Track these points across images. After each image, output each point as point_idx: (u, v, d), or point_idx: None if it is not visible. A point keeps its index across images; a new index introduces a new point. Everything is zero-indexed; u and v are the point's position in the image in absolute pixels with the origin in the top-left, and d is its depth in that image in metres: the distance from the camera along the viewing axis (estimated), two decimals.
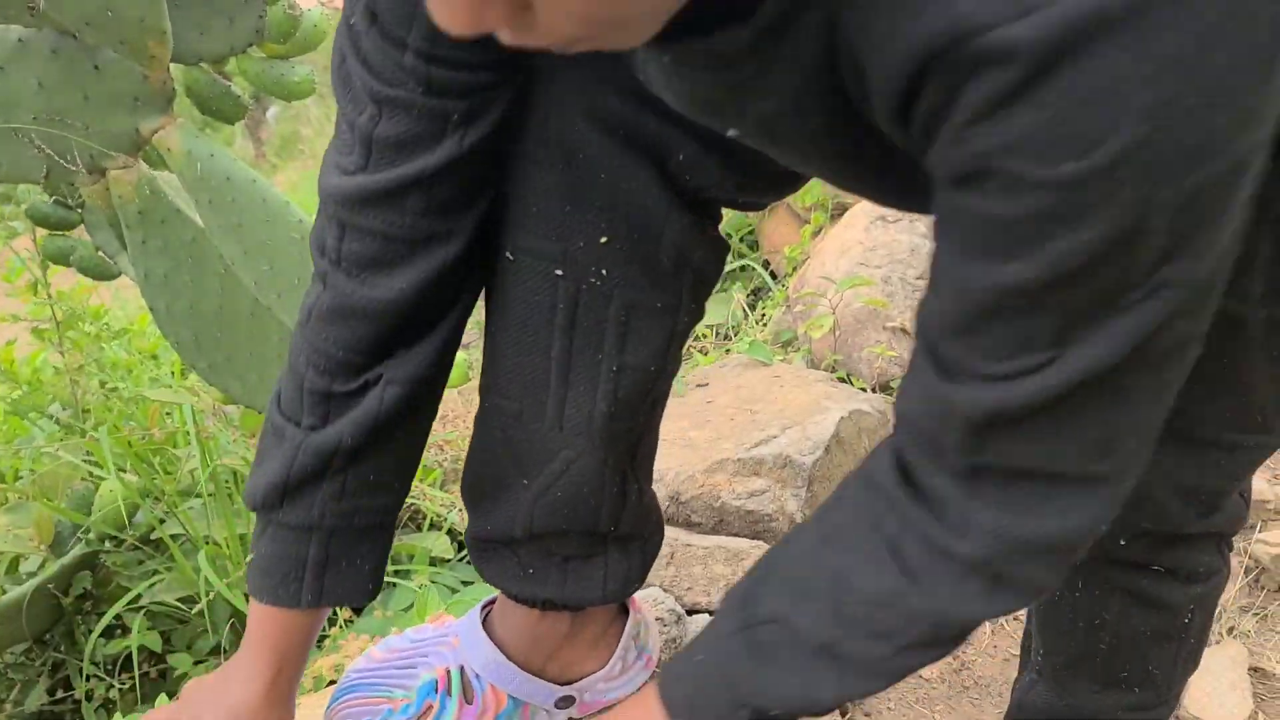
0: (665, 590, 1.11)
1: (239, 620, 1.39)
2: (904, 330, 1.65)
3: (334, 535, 0.74)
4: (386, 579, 1.49)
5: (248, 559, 0.77)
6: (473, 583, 1.53)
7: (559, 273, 0.70)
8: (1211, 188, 0.43)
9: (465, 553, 1.57)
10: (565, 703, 0.86)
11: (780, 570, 0.62)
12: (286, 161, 8.30)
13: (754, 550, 1.15)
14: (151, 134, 1.22)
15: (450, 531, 1.60)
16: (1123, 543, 0.85)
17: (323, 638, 1.45)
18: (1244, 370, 0.72)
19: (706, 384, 1.58)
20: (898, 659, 0.57)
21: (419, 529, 1.65)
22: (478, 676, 0.84)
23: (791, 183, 0.77)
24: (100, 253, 1.52)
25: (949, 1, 0.41)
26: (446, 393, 2.08)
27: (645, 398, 0.75)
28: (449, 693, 0.83)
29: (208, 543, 1.38)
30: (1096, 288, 0.45)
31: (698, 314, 0.75)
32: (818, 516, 0.62)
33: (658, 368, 0.74)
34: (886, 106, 0.47)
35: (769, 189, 0.76)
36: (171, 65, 1.20)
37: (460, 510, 1.63)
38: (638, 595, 0.92)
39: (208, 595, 1.31)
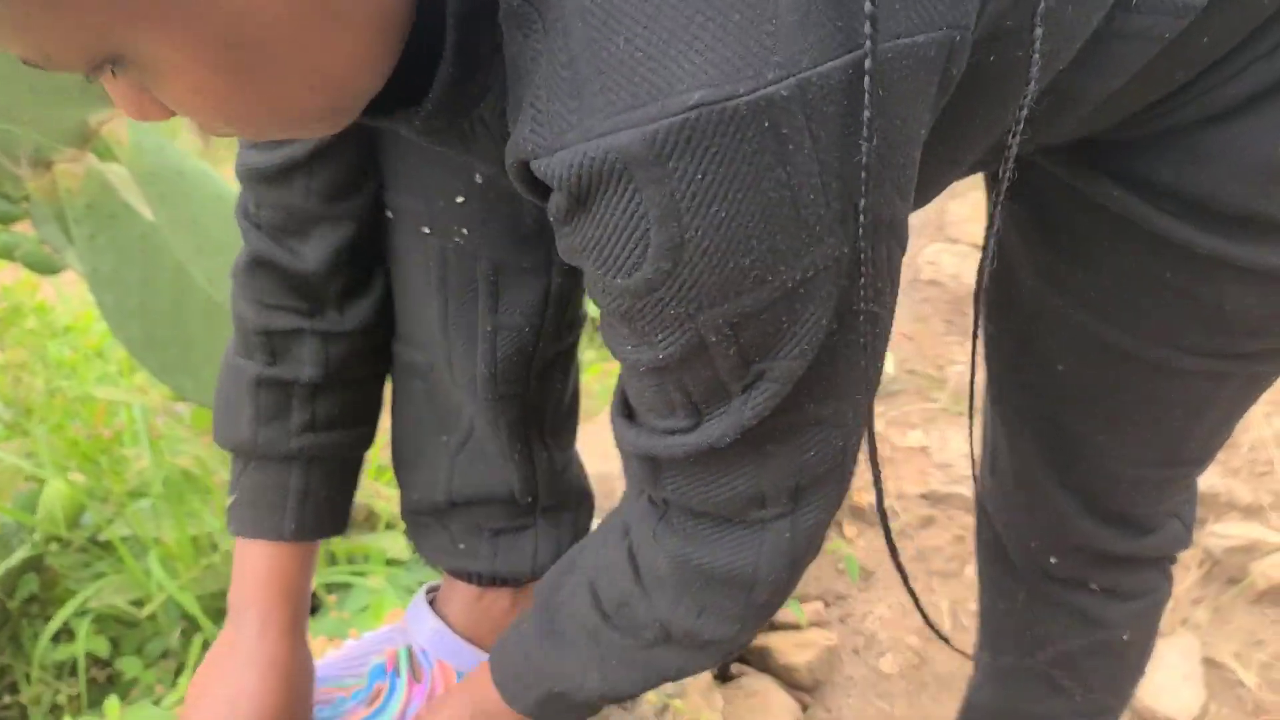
0: None
1: (190, 623, 1.36)
2: None
3: (311, 464, 0.76)
4: (342, 579, 1.47)
5: (228, 502, 0.78)
6: (427, 582, 1.52)
7: (426, 230, 0.70)
8: (764, 311, 0.45)
9: None
10: None
11: (579, 559, 0.67)
12: (234, 154, 8.16)
13: None
14: (100, 126, 1.19)
15: (406, 532, 1.58)
16: (1053, 560, 0.87)
17: None
18: (1176, 414, 0.74)
19: None
20: (647, 653, 0.62)
21: (373, 529, 1.63)
22: (425, 653, 0.84)
23: None
24: (45, 246, 1.48)
25: (520, 126, 0.43)
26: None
27: (529, 361, 0.74)
28: (398, 672, 0.83)
29: (158, 544, 1.35)
30: (701, 377, 0.48)
31: (578, 277, 0.72)
32: (615, 509, 0.67)
33: (533, 328, 0.72)
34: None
35: None
36: None
37: None
38: None
39: (159, 597, 1.28)
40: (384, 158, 0.70)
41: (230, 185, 1.25)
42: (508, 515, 0.80)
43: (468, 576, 0.83)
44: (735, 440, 0.50)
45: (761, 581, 0.57)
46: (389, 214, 0.72)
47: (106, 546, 1.41)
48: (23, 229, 1.51)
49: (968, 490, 1.44)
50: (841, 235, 0.44)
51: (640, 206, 0.41)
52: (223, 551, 1.36)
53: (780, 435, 0.52)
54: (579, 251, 0.45)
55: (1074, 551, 0.87)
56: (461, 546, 0.81)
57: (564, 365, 0.78)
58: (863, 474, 1.47)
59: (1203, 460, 0.80)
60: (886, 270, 0.48)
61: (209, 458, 1.44)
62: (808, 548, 0.58)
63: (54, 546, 1.37)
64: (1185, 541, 0.88)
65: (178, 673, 1.37)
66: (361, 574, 1.47)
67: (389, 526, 1.60)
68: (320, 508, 0.77)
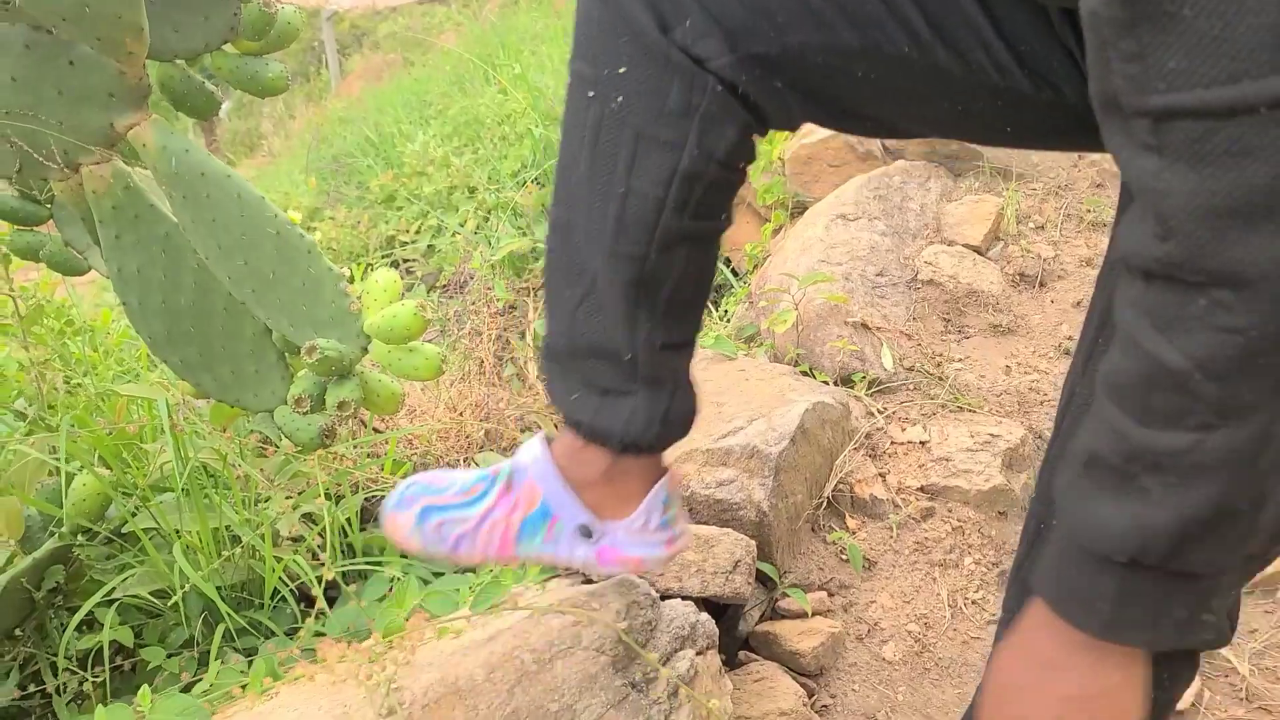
0: (639, 575, 1.15)
1: (212, 613, 1.40)
2: (864, 325, 1.70)
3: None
4: (360, 569, 1.51)
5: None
6: (444, 573, 1.56)
7: (590, 94, 0.78)
8: None
9: None
10: (585, 532, 0.92)
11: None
12: (242, 157, 8.21)
13: (723, 536, 1.19)
14: (126, 129, 1.23)
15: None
16: None
17: (293, 630, 1.46)
18: None
19: None
20: (1194, 455, 0.50)
21: None
22: (522, 472, 0.93)
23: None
24: (69, 248, 1.52)
25: None
26: (413, 388, 2.09)
27: (651, 230, 0.80)
28: (496, 480, 0.93)
29: (180, 536, 1.38)
30: None
31: (705, 161, 0.78)
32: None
33: (658, 199, 0.78)
34: None
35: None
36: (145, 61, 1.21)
37: None
38: (624, 580, 1.00)
39: (182, 588, 1.31)
40: (575, 29, 0.79)
41: (250, 186, 1.29)
42: (615, 376, 0.86)
43: (575, 426, 0.88)
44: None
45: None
46: (569, 79, 0.80)
47: (130, 539, 1.45)
48: (47, 229, 1.55)
49: (966, 483, 1.47)
50: None
51: None
52: (244, 545, 1.40)
53: None
54: None
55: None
56: (574, 396, 0.87)
57: (690, 252, 0.83)
58: (863, 469, 1.50)
59: None
60: None
61: (229, 453, 1.47)
62: None
63: (80, 539, 1.40)
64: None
65: (200, 661, 1.41)
66: (379, 564, 1.51)
67: None
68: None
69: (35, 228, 1.51)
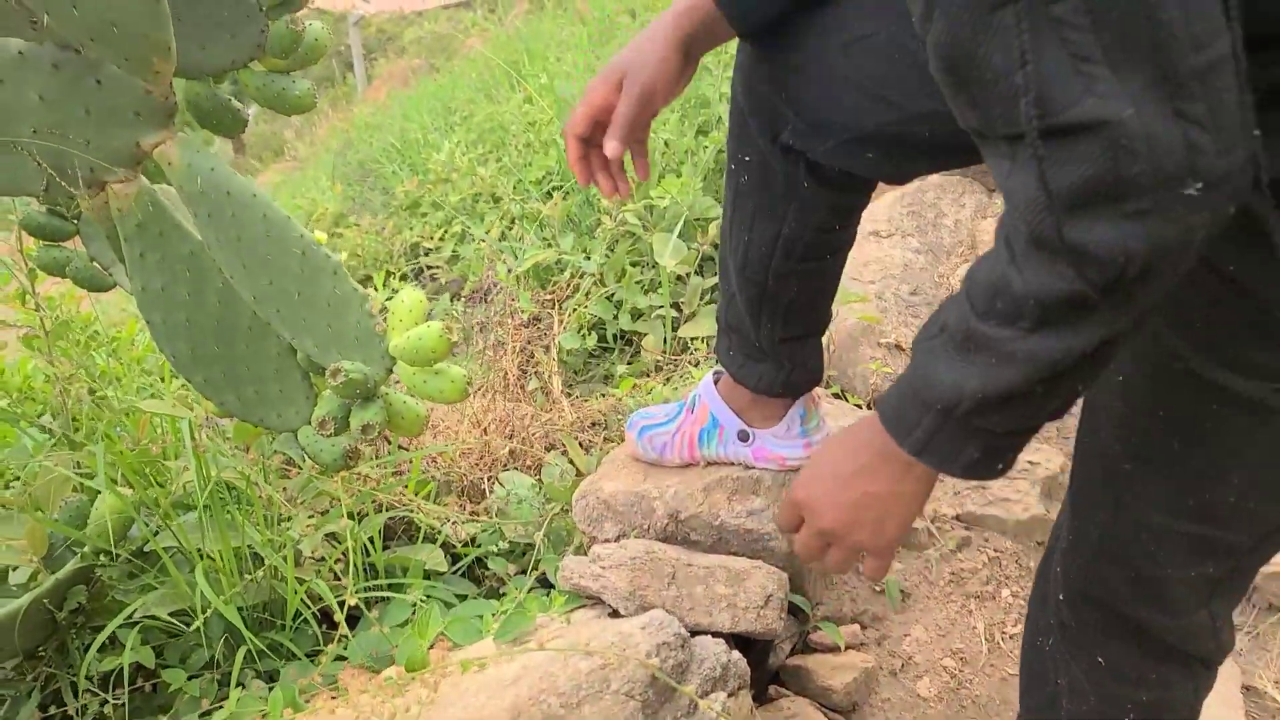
0: (669, 611, 1.12)
1: (233, 634, 1.38)
2: (898, 346, 1.67)
3: None
4: (381, 594, 1.48)
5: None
6: (466, 596, 1.53)
7: (732, 166, 1.12)
8: None
9: (459, 565, 1.56)
10: (744, 436, 1.28)
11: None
12: (269, 162, 8.25)
13: (755, 570, 1.16)
14: (152, 148, 1.21)
15: (444, 545, 1.59)
16: (1068, 611, 0.89)
17: (315, 652, 1.44)
18: (1210, 447, 0.75)
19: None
20: (1025, 342, 0.64)
21: (412, 541, 1.65)
22: (699, 396, 1.32)
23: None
24: (95, 264, 1.51)
25: None
26: (438, 407, 2.05)
27: (766, 268, 1.14)
28: (686, 405, 1.34)
29: (203, 557, 1.37)
30: None
31: (802, 229, 1.11)
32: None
33: (769, 251, 1.13)
34: None
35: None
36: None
37: (454, 524, 1.63)
38: (653, 619, 0.98)
39: (204, 612, 1.30)
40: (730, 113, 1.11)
41: (275, 206, 1.27)
42: (749, 348, 1.21)
43: (727, 370, 1.26)
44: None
45: (1119, 170, 0.56)
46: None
47: (152, 558, 1.43)
48: (73, 245, 1.54)
49: (1004, 512, 1.44)
50: None
51: None
52: (267, 566, 1.38)
53: None
54: None
55: (1091, 605, 0.86)
56: (729, 353, 1.24)
57: (801, 281, 1.15)
58: None
59: (1233, 524, 0.78)
60: None
61: (252, 472, 1.46)
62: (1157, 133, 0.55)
63: (102, 558, 1.39)
64: (1211, 643, 0.85)
65: (221, 684, 1.40)
66: (400, 587, 1.49)
67: (428, 539, 1.62)
68: None
69: (62, 243, 1.50)
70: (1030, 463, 1.47)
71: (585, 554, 1.32)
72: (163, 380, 1.93)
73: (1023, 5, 0.55)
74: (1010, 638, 1.33)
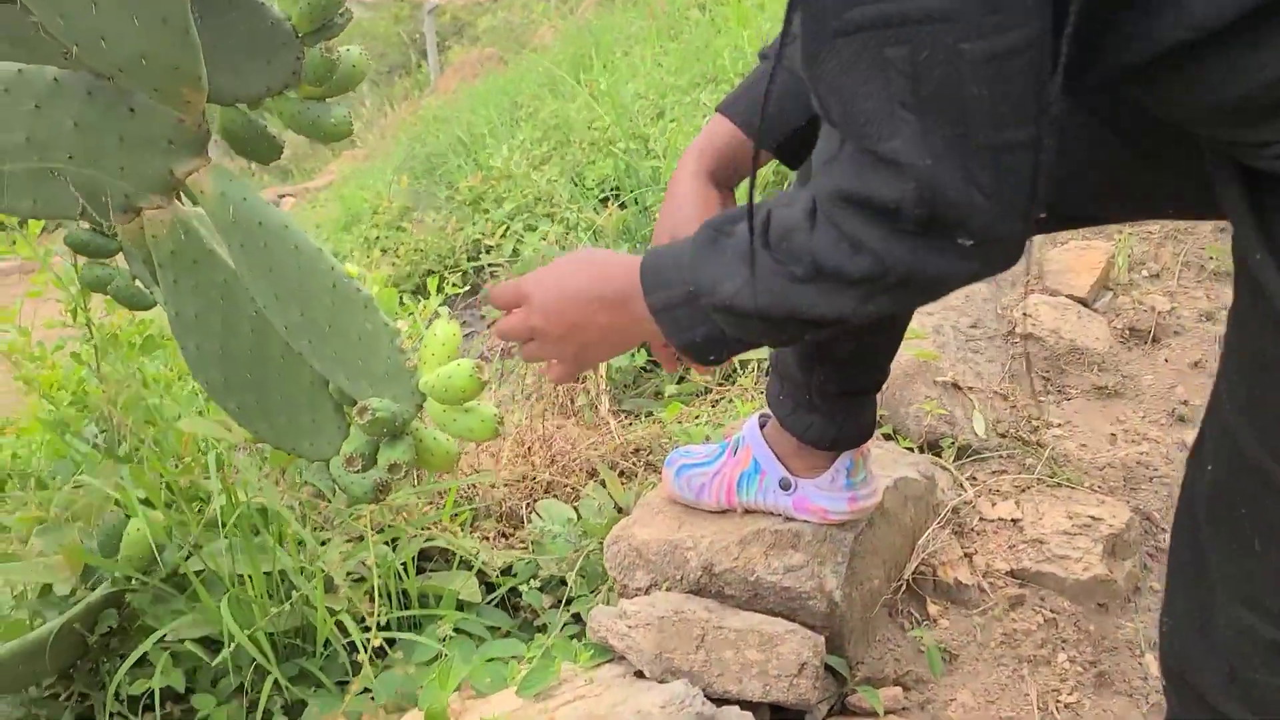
0: (697, 676, 1.07)
1: (265, 660, 1.37)
2: (955, 385, 1.58)
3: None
4: (414, 620, 1.46)
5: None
6: (499, 628, 1.50)
7: None
8: None
9: (494, 596, 1.53)
10: (785, 485, 1.22)
11: (760, 206, 0.78)
12: (341, 151, 8.34)
13: (789, 635, 1.10)
14: (185, 176, 1.19)
15: (479, 572, 1.57)
16: (1165, 685, 0.83)
17: (344, 682, 1.43)
18: None
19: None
20: (791, 285, 0.73)
21: (449, 564, 1.62)
22: (742, 439, 1.26)
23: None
24: (137, 282, 1.51)
25: None
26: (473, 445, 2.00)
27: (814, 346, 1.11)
28: (729, 448, 1.27)
29: (235, 583, 1.36)
30: None
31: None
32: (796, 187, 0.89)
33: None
34: None
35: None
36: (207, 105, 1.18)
37: (492, 545, 1.60)
38: (674, 695, 0.99)
39: (232, 639, 1.29)
40: None
41: (307, 237, 1.25)
42: (801, 397, 1.15)
43: (775, 416, 1.20)
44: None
45: (905, 204, 0.63)
46: None
47: (185, 580, 1.43)
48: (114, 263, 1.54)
49: (1062, 570, 1.35)
50: None
51: None
52: (299, 595, 1.37)
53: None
54: None
55: (1187, 691, 0.81)
56: (781, 399, 1.18)
57: (841, 344, 1.10)
58: (948, 549, 1.39)
59: None
60: None
61: (285, 498, 1.44)
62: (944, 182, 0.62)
63: (134, 582, 1.39)
64: None
65: (249, 710, 1.39)
66: (432, 618, 1.46)
67: (463, 565, 1.59)
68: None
69: (105, 261, 1.50)
70: (1092, 518, 1.38)
71: (617, 597, 1.28)
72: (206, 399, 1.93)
73: (860, 40, 0.60)
74: (1066, 707, 1.25)
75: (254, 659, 1.38)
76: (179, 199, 1.26)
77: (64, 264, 1.78)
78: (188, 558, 1.41)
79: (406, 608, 1.48)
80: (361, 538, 1.55)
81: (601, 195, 3.08)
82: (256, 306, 1.29)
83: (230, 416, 1.34)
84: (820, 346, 1.10)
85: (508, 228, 3.75)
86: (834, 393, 1.14)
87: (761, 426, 1.25)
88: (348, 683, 1.39)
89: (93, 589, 1.43)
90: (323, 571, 1.39)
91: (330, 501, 1.44)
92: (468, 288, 3.59)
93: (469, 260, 3.92)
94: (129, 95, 1.14)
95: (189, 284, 1.27)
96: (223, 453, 1.42)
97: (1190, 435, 1.55)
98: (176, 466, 1.58)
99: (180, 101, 1.12)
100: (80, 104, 1.15)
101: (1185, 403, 1.66)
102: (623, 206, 2.75)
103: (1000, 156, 0.60)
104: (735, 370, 1.93)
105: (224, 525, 1.36)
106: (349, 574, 1.43)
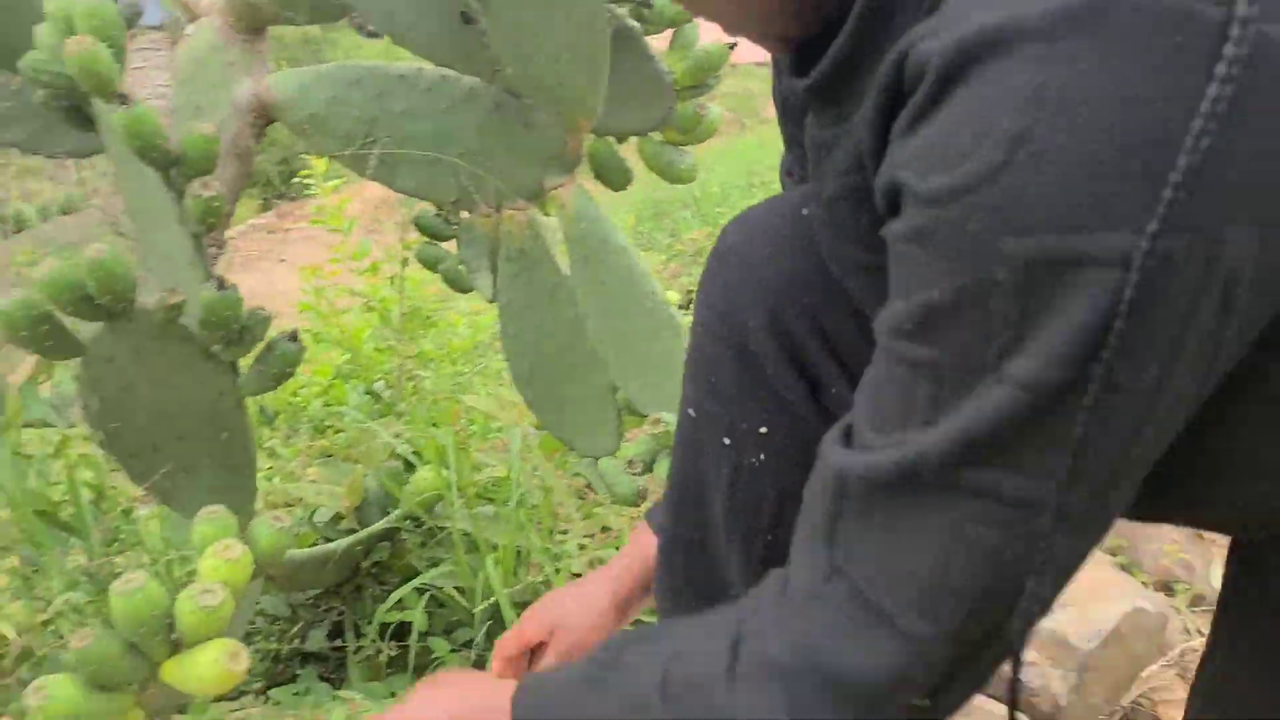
0: None
1: (495, 624, 1.51)
2: (1199, 535, 1.59)
3: None
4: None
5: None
6: None
7: (726, 442, 0.77)
8: (1066, 268, 0.39)
9: None
10: None
11: (668, 631, 0.67)
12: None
13: None
14: (554, 188, 1.37)
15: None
16: None
17: None
18: None
19: None
20: None
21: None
22: None
23: None
24: (462, 267, 1.71)
25: (915, 27, 0.44)
26: None
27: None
28: None
29: (494, 549, 1.51)
30: (962, 343, 0.43)
31: None
32: (726, 607, 0.65)
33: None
34: (868, 125, 0.49)
35: None
36: None
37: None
38: None
39: (485, 601, 1.43)
40: (699, 368, 0.79)
41: (640, 263, 1.40)
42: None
43: None
44: (939, 472, 0.46)
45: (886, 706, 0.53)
46: (690, 411, 0.80)
47: (446, 537, 1.59)
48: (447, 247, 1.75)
49: None
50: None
51: (1002, 89, 0.39)
52: (545, 572, 1.51)
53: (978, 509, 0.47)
54: (905, 163, 0.43)
55: None
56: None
57: None
58: (1173, 688, 1.40)
59: None
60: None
61: (555, 484, 1.59)
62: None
63: (409, 524, 1.56)
64: None
65: (475, 664, 1.53)
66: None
67: None
68: None
69: (439, 244, 1.71)
70: None
71: None
72: (475, 374, 2.13)
73: (950, 499, 0.49)
74: None
75: (488, 620, 1.53)
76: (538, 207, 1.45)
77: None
78: (454, 516, 1.58)
79: None
80: (594, 535, 1.68)
81: None
82: (575, 312, 1.45)
83: (526, 403, 1.50)
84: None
85: None
86: None
87: None
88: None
89: (363, 524, 1.62)
90: (568, 554, 1.53)
91: (596, 494, 1.58)
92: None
93: (679, 308, 4.09)
94: (529, 114, 1.33)
95: (525, 280, 1.45)
96: (520, 435, 1.58)
97: None
98: (460, 431, 1.77)
99: (574, 127, 1.30)
100: (485, 112, 1.35)
101: None
102: None
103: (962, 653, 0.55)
104: None
105: (514, 501, 1.51)
106: (589, 564, 1.56)
